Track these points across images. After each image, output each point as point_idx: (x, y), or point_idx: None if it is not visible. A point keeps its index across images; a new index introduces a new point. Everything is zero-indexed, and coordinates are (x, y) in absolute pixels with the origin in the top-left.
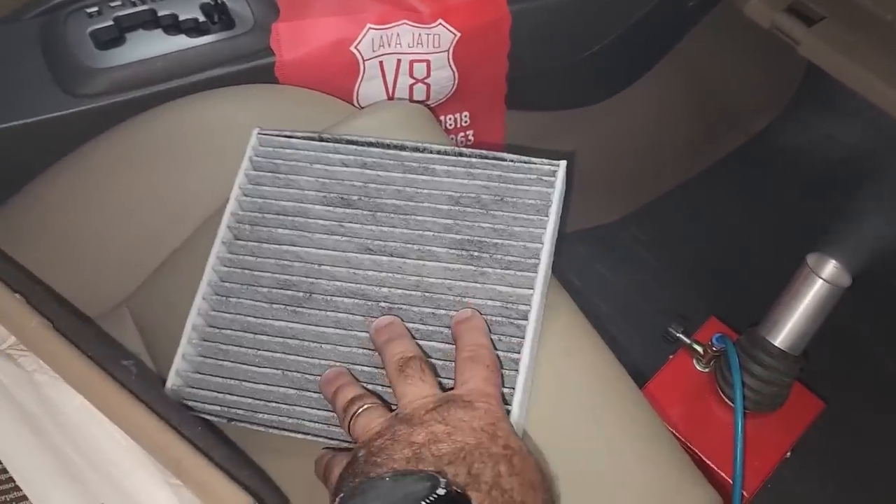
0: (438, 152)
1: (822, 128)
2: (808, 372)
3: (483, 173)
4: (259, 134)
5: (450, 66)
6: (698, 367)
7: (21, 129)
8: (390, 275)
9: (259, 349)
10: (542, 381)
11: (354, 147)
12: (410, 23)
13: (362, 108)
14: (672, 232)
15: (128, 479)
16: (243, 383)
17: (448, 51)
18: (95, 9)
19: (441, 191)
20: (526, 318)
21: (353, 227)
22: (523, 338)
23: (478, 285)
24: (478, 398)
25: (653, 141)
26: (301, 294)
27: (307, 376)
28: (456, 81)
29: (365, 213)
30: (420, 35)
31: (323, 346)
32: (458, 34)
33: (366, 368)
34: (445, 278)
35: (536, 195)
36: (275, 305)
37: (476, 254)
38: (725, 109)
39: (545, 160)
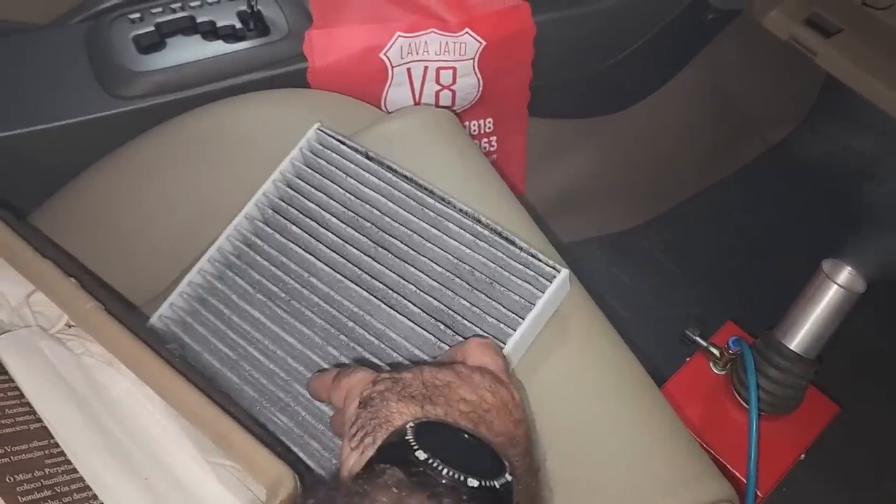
0: (459, 211)
1: (840, 138)
2: (823, 376)
3: (489, 250)
4: (318, 129)
5: (475, 73)
6: (715, 370)
7: (67, 128)
8: (363, 314)
9: (229, 329)
10: (564, 377)
11: (391, 176)
12: (438, 31)
13: (389, 112)
14: (691, 238)
15: (170, 457)
16: (203, 354)
17: (474, 59)
18: (138, 15)
19: (444, 251)
20: None
21: (354, 254)
22: None
23: (429, 359)
24: (507, 383)
25: (673, 149)
26: (283, 295)
27: (253, 372)
28: (481, 88)
29: (370, 243)
30: (447, 43)
31: (278, 351)
32: (484, 43)
33: (303, 391)
34: (407, 339)
35: (525, 293)
36: (259, 295)
37: (443, 327)
38: (745, 119)
39: (550, 262)
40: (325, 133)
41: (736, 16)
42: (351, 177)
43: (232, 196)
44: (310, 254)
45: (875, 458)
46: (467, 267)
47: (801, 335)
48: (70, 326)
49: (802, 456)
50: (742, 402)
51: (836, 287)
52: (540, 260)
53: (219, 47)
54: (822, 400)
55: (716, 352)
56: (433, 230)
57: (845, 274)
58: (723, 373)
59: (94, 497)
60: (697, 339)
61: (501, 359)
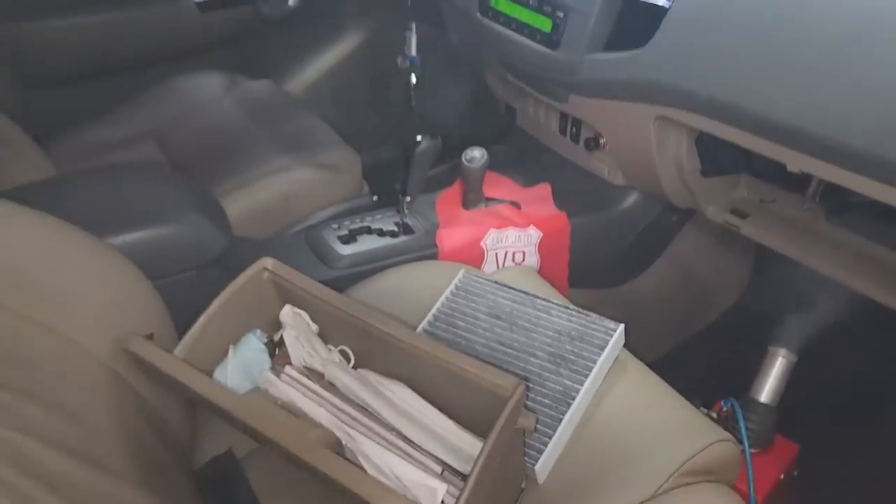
0: (556, 304)
1: (771, 291)
2: (786, 426)
3: (576, 320)
4: (464, 273)
5: (536, 255)
6: None
7: None
8: (509, 361)
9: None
10: (627, 390)
11: (512, 291)
12: (514, 228)
13: None
14: (678, 374)
15: (432, 421)
16: None
17: (535, 245)
18: (336, 225)
19: (551, 325)
20: (572, 399)
21: (498, 331)
22: (564, 414)
23: (553, 377)
24: None
25: (656, 314)
26: (462, 343)
27: None
28: (538, 265)
29: (507, 324)
30: (520, 235)
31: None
32: (542, 234)
33: None
34: (539, 369)
35: (599, 340)
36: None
37: (559, 360)
38: (704, 289)
39: (611, 321)
40: (469, 274)
41: (693, 213)
42: (488, 294)
43: (412, 320)
44: (470, 334)
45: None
46: (566, 331)
47: (765, 392)
48: (355, 368)
49: (782, 476)
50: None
51: (778, 359)
52: (607, 323)
53: (386, 241)
54: (786, 442)
55: (714, 415)
56: (543, 315)
57: (782, 352)
58: None
59: (403, 435)
60: (700, 408)
61: None
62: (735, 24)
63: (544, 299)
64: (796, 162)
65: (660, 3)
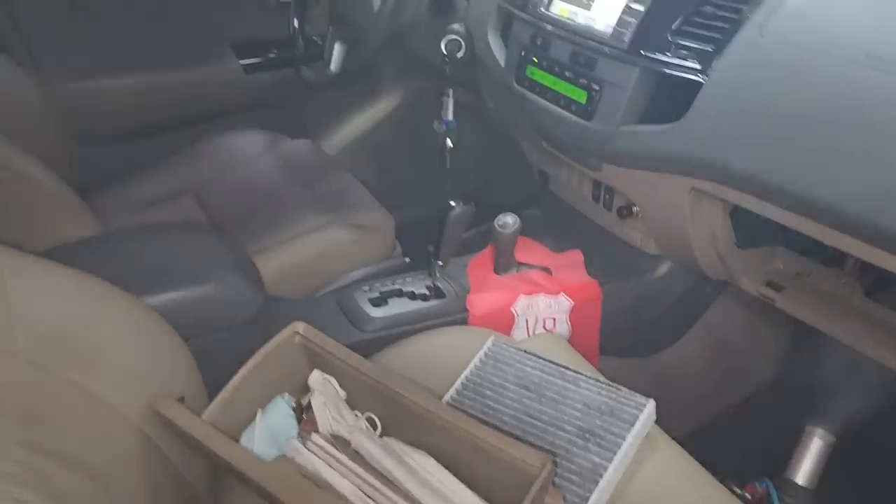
0: (586, 376)
1: (809, 366)
2: None
3: (605, 394)
4: (494, 340)
5: (567, 322)
6: None
7: None
8: (536, 434)
9: None
10: (658, 465)
11: (541, 361)
12: (545, 295)
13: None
14: (713, 449)
15: (452, 493)
16: None
17: (566, 312)
18: (367, 287)
19: (580, 398)
20: (600, 477)
21: (526, 403)
22: (592, 492)
23: (581, 452)
24: None
25: (689, 386)
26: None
27: None
28: (569, 332)
29: (535, 395)
30: (550, 302)
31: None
32: (573, 302)
33: None
34: (567, 444)
35: (629, 415)
36: None
37: (587, 436)
38: (739, 361)
39: (642, 396)
40: (498, 342)
41: (727, 284)
42: (517, 363)
43: (440, 388)
44: (498, 406)
45: None
46: (595, 405)
47: (801, 473)
48: (382, 436)
49: None
50: None
51: (816, 439)
52: (636, 397)
53: (418, 304)
54: None
55: (748, 496)
56: (572, 387)
57: (820, 431)
58: None
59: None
60: (734, 488)
61: None
62: (770, 103)
63: (574, 371)
64: (833, 240)
65: (695, 79)
